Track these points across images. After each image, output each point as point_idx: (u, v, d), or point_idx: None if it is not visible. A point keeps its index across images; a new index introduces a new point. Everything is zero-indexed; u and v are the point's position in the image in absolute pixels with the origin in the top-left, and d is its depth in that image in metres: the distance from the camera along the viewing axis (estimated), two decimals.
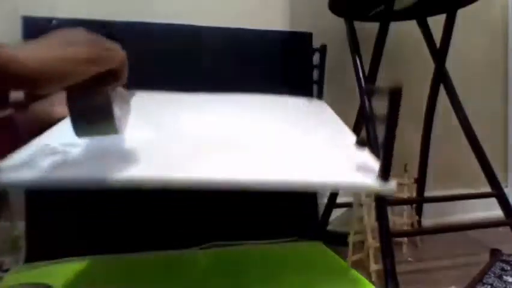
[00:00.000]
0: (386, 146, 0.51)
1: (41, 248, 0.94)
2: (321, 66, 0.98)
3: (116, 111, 0.43)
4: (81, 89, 0.38)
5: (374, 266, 0.89)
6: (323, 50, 0.97)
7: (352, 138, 0.68)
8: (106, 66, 0.39)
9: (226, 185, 0.47)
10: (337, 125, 0.78)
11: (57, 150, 0.50)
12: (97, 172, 0.45)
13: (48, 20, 0.96)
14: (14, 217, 0.96)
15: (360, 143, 0.56)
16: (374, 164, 0.55)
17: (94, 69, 0.37)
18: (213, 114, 0.76)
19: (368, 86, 0.53)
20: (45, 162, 0.46)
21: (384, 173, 0.51)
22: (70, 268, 0.87)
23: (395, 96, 0.49)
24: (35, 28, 0.96)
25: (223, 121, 0.72)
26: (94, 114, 0.41)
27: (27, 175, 0.44)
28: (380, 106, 1.01)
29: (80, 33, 0.39)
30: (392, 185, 0.51)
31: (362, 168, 0.55)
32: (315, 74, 1.01)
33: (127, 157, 0.50)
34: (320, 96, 1.01)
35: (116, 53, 0.41)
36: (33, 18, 0.96)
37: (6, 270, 0.87)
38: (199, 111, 0.78)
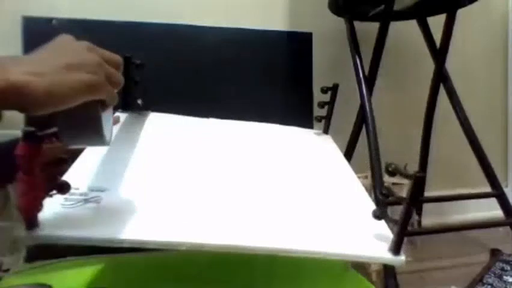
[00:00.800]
0: (401, 224, 0.53)
1: (41, 248, 0.94)
2: (332, 102, 0.99)
3: (105, 123, 0.43)
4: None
5: (374, 266, 0.89)
6: (335, 88, 0.98)
7: (366, 201, 0.69)
8: (103, 96, 0.40)
9: (240, 250, 0.53)
10: (350, 179, 0.78)
11: (87, 196, 0.52)
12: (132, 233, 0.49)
13: (48, 20, 0.96)
14: (14, 217, 0.96)
15: (376, 216, 0.57)
16: (387, 233, 0.57)
17: (93, 97, 0.39)
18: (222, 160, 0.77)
19: (391, 166, 0.55)
20: (80, 214, 0.48)
21: (397, 248, 0.53)
22: (70, 268, 0.87)
23: (418, 181, 0.51)
24: (35, 28, 0.96)
25: (234, 172, 0.72)
26: (83, 124, 0.41)
27: (66, 233, 0.45)
28: (380, 106, 1.01)
29: (84, 51, 0.41)
30: (401, 258, 0.52)
31: (375, 239, 0.56)
32: (325, 110, 1.02)
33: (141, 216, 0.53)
34: (326, 130, 1.02)
35: (115, 79, 0.42)
36: (33, 18, 0.96)
37: (6, 270, 0.87)
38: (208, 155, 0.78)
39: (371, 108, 0.94)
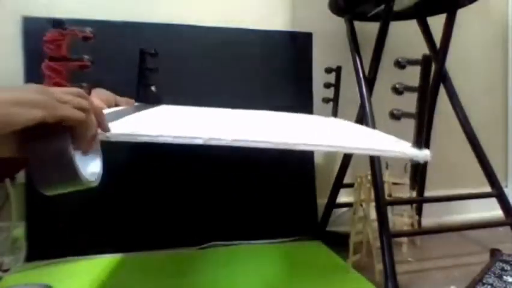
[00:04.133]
0: (419, 116, 0.58)
1: (41, 248, 0.94)
2: (337, 85, 0.99)
3: (87, 161, 0.41)
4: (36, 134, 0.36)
5: (379, 266, 0.89)
6: (338, 70, 0.98)
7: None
8: (56, 114, 0.37)
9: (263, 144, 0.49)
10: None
11: None
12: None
13: (48, 20, 0.96)
14: (14, 217, 0.96)
15: (393, 114, 0.65)
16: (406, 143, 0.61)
17: (37, 114, 0.35)
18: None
19: (401, 59, 0.58)
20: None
21: (418, 141, 0.57)
22: (69, 268, 0.88)
23: (426, 64, 0.54)
24: (35, 28, 0.96)
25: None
26: (53, 158, 0.37)
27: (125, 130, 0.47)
28: (380, 106, 1.01)
29: (39, 87, 0.39)
30: (426, 152, 0.56)
31: (399, 142, 0.62)
32: (332, 92, 1.03)
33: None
34: (335, 114, 1.02)
35: (81, 104, 0.40)
36: (33, 18, 0.96)
37: (6, 270, 0.87)
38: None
39: (371, 108, 0.94)
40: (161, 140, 0.47)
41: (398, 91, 0.58)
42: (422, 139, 0.56)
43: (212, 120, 0.71)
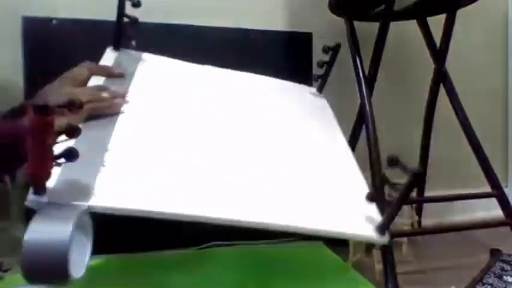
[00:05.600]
0: (392, 210, 0.56)
1: None
2: (331, 63, 0.97)
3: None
4: None
5: (379, 266, 0.89)
6: (336, 47, 0.96)
7: (355, 170, 0.72)
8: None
9: (236, 223, 0.56)
10: (340, 143, 0.81)
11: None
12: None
13: (48, 20, 0.96)
14: (14, 217, 0.96)
15: (370, 198, 0.62)
16: (376, 215, 0.61)
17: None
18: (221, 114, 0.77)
19: (390, 159, 0.58)
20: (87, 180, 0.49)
21: (383, 229, 0.57)
22: None
23: (416, 178, 0.55)
24: (35, 28, 0.96)
25: (230, 131, 0.72)
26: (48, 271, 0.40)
27: (116, 204, 0.48)
28: (380, 106, 1.01)
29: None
30: (386, 238, 0.57)
31: (364, 219, 0.60)
32: (323, 69, 1.01)
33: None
34: (320, 90, 1.01)
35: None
36: (33, 18, 0.96)
37: (6, 270, 0.87)
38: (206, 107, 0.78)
39: (371, 108, 0.94)
40: (152, 215, 0.50)
41: (372, 199, 0.60)
42: (388, 227, 0.57)
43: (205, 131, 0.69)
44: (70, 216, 0.42)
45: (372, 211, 0.61)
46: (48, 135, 0.41)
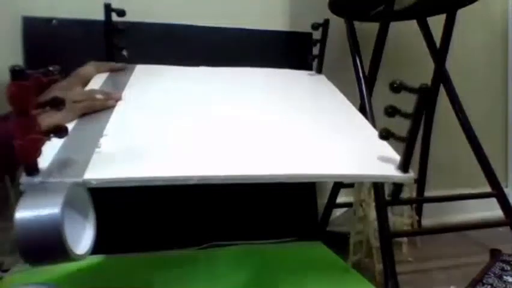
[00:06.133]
0: (409, 141, 0.54)
1: None
2: (323, 40, 0.96)
3: (70, 232, 0.39)
4: None
5: (379, 266, 0.89)
6: (325, 23, 0.95)
7: (367, 125, 0.71)
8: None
9: (248, 179, 0.50)
10: (347, 107, 0.80)
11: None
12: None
13: (48, 20, 0.96)
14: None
15: (383, 135, 0.58)
16: (393, 155, 0.59)
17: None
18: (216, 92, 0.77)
19: (396, 82, 0.55)
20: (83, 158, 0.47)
21: (405, 165, 0.54)
22: (69, 268, 0.87)
23: (424, 94, 0.52)
24: (35, 28, 0.96)
25: (230, 105, 0.72)
26: (43, 242, 0.37)
27: (111, 175, 0.45)
28: (380, 106, 1.01)
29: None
30: (411, 175, 0.55)
31: (382, 159, 0.58)
32: (316, 49, 1.00)
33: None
34: (319, 70, 1.00)
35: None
36: (33, 18, 0.96)
37: (6, 270, 0.87)
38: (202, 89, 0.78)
39: (371, 108, 0.94)
40: (151, 183, 0.46)
41: (386, 136, 0.57)
42: (409, 163, 0.55)
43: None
44: (61, 189, 0.40)
45: (388, 153, 0.60)
46: (29, 103, 0.38)
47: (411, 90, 0.53)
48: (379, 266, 0.88)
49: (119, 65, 0.81)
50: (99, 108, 0.64)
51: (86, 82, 0.75)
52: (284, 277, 0.83)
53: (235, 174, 0.49)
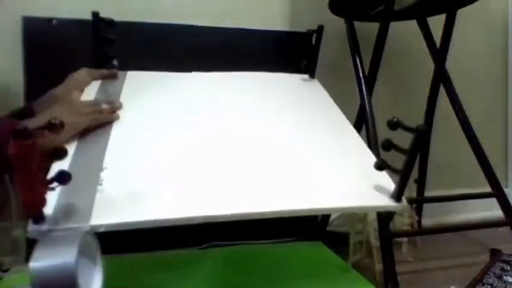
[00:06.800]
0: (403, 174, 0.56)
1: None
2: (317, 45, 0.97)
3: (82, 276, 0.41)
4: None
5: (379, 266, 0.89)
6: (320, 30, 0.96)
7: (362, 146, 0.72)
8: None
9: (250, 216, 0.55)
10: (342, 122, 0.80)
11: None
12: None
13: (48, 20, 0.96)
14: (14, 217, 0.96)
15: (379, 166, 0.60)
16: (388, 182, 0.60)
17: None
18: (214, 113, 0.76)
19: (393, 121, 0.58)
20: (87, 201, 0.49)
21: (399, 195, 0.56)
22: None
23: (420, 134, 0.54)
24: (35, 28, 0.96)
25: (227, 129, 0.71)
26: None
27: (118, 219, 0.48)
28: (380, 106, 1.01)
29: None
30: (404, 204, 0.57)
31: (377, 188, 0.60)
32: (310, 53, 1.00)
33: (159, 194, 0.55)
34: (312, 74, 1.00)
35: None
36: (33, 18, 0.96)
37: (6, 270, 0.87)
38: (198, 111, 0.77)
39: (371, 108, 0.94)
40: (157, 225, 0.52)
41: (381, 167, 0.59)
42: (402, 193, 0.57)
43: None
44: (73, 238, 0.42)
45: (383, 181, 0.61)
46: (31, 160, 0.39)
47: (407, 129, 0.55)
48: (379, 266, 0.88)
49: (110, 71, 0.81)
50: (105, 121, 0.66)
51: (81, 87, 0.76)
52: (284, 277, 0.83)
53: (236, 213, 0.55)
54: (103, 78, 0.80)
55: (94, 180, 0.52)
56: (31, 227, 0.42)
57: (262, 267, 0.89)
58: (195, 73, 0.90)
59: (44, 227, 0.43)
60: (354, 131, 0.77)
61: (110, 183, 0.53)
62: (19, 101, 0.93)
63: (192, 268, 0.89)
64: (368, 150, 0.71)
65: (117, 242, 0.98)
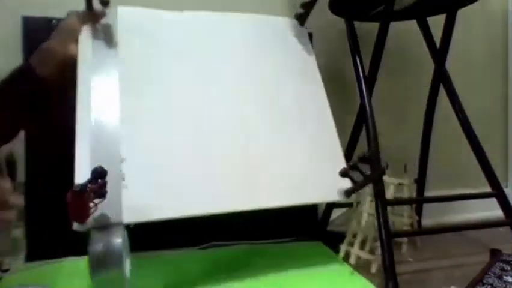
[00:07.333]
0: (360, 184, 0.74)
1: (41, 248, 0.94)
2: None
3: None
4: None
5: (376, 266, 0.89)
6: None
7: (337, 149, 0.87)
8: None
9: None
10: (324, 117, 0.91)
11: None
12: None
13: (48, 20, 0.96)
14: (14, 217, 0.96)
15: (342, 174, 0.78)
16: (345, 184, 0.78)
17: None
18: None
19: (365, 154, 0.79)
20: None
21: (349, 194, 0.78)
22: (69, 268, 0.87)
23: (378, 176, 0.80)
24: (35, 28, 0.96)
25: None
26: None
27: (148, 217, 0.65)
28: (380, 106, 1.01)
29: None
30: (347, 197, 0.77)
31: (335, 188, 0.78)
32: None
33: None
34: (303, 23, 1.04)
35: None
36: (33, 18, 0.96)
37: (6, 270, 0.87)
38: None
39: (371, 108, 0.94)
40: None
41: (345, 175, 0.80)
42: (354, 192, 0.80)
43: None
44: (115, 232, 0.59)
45: (343, 181, 0.77)
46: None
47: (364, 160, 0.77)
48: (379, 266, 0.88)
49: (99, 11, 0.80)
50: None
51: (73, 36, 0.77)
52: (284, 277, 0.83)
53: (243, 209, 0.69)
54: (93, 20, 0.80)
55: (117, 175, 0.62)
56: (75, 226, 0.57)
57: (262, 267, 0.89)
58: (186, 12, 0.92)
59: (86, 226, 0.57)
60: (331, 121, 0.90)
61: (132, 177, 0.63)
62: None
63: (191, 268, 0.89)
64: (339, 148, 0.86)
65: None
